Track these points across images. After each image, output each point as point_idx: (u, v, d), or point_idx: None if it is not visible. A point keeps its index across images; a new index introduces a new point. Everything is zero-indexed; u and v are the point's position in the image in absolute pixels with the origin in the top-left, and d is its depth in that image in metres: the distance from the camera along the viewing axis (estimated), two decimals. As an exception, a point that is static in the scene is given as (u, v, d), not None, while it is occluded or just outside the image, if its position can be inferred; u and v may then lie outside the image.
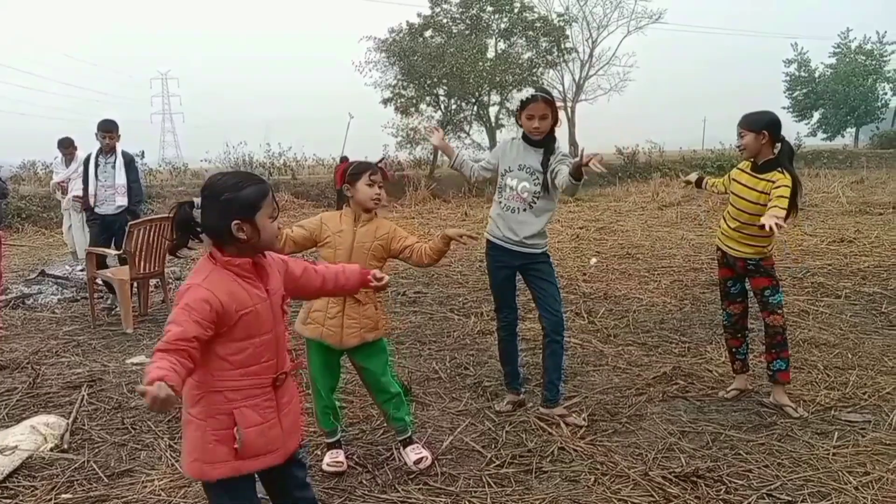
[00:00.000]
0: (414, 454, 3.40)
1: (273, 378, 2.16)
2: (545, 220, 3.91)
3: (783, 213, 3.61)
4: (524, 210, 3.85)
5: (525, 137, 3.91)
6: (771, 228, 3.43)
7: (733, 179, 4.09)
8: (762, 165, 3.91)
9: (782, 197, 3.69)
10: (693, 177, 4.70)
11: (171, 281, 8.22)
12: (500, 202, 3.92)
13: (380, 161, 3.46)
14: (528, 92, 3.88)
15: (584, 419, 3.89)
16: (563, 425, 3.79)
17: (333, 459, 3.36)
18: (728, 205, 4.12)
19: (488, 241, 4.03)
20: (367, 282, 2.56)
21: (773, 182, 3.80)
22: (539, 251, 3.93)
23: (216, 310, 2.02)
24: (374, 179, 3.25)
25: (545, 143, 3.86)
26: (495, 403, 4.16)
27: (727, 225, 4.09)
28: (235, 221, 2.06)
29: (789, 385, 4.22)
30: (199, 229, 2.13)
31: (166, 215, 7.02)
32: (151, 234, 6.18)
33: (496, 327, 4.21)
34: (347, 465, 3.39)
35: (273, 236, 2.20)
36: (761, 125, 3.87)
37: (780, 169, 3.84)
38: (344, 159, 21.09)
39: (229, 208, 2.07)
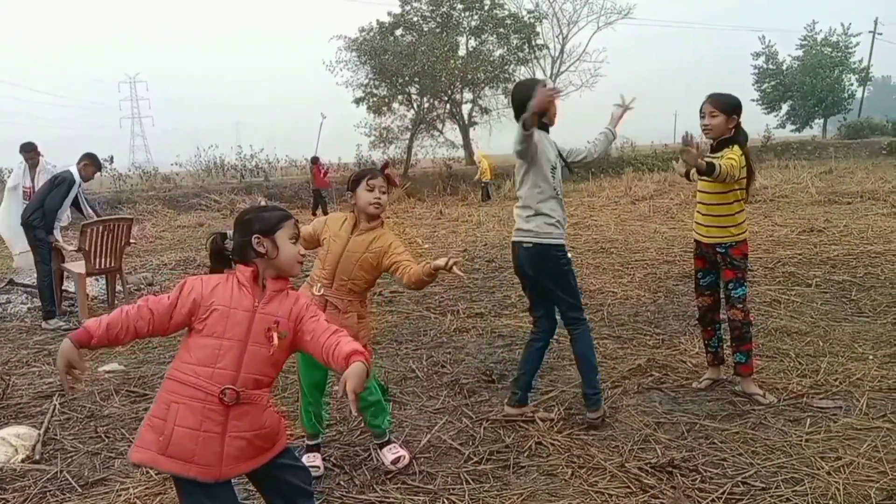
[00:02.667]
0: (391, 454, 3.39)
1: (220, 389, 2.14)
2: None
3: (706, 164, 3.68)
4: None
5: (544, 127, 3.69)
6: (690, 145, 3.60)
7: None
8: (719, 143, 3.98)
9: (727, 159, 3.80)
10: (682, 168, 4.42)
11: (143, 286, 8.12)
12: (561, 199, 3.69)
13: (384, 166, 3.37)
14: (538, 78, 3.66)
15: (558, 413, 3.90)
16: (538, 421, 3.81)
17: (310, 463, 3.34)
18: (697, 192, 4.17)
19: (563, 245, 3.71)
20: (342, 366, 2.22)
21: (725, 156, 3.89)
22: None
23: (196, 293, 2.22)
24: (372, 184, 3.21)
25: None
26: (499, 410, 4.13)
27: (698, 212, 4.14)
28: (256, 236, 2.26)
29: (761, 374, 4.28)
30: (230, 256, 2.34)
31: (121, 217, 7.59)
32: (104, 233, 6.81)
33: (573, 332, 3.84)
34: (325, 467, 3.37)
35: (292, 257, 2.32)
36: (731, 108, 3.93)
37: (733, 145, 3.93)
38: (315, 160, 21.01)
39: (251, 225, 2.29)
